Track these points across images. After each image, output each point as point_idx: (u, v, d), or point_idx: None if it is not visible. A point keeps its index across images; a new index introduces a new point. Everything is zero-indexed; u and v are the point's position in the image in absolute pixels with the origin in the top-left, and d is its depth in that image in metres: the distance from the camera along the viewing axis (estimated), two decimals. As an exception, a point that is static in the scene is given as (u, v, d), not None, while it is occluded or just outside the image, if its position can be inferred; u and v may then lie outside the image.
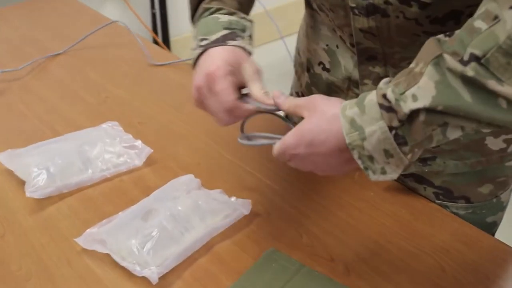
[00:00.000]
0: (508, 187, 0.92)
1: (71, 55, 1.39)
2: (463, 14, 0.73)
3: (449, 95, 0.60)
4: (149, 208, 0.84)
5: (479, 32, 0.58)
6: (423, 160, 0.88)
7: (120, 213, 0.86)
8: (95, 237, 0.81)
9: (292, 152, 0.71)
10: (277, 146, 0.72)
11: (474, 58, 0.58)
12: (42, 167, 0.94)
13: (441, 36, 0.63)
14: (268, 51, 3.29)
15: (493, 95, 0.58)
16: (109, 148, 1.01)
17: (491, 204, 0.91)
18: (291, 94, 1.14)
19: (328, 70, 0.95)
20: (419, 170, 0.89)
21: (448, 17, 0.74)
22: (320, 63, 0.96)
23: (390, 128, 0.64)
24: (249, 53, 0.80)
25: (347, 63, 0.90)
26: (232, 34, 0.80)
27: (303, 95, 1.07)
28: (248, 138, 0.78)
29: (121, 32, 1.49)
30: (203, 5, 0.85)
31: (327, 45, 0.94)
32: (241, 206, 0.87)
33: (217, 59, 0.76)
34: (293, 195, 0.92)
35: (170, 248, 0.79)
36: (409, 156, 0.65)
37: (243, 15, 0.83)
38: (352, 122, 0.66)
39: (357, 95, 0.91)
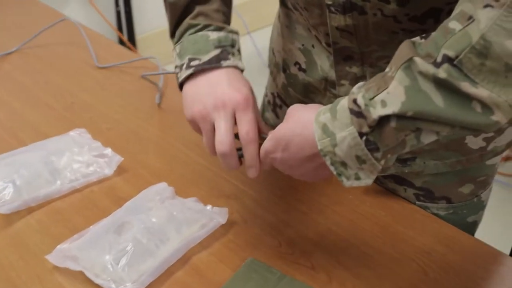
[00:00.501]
0: (488, 186, 0.91)
1: (25, 53, 1.34)
2: (442, 11, 0.72)
3: (420, 100, 0.58)
4: (122, 221, 0.81)
5: (453, 33, 0.57)
6: (402, 161, 0.87)
7: (91, 226, 0.83)
8: (67, 253, 0.78)
9: (271, 156, 0.72)
10: (260, 151, 0.74)
11: (447, 59, 0.56)
12: (7, 180, 0.90)
13: (417, 38, 0.62)
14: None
15: (467, 98, 0.56)
16: (78, 158, 0.97)
17: (472, 203, 0.91)
18: (266, 95, 1.11)
19: (304, 71, 0.93)
20: (399, 171, 0.88)
21: (427, 15, 0.72)
22: (296, 63, 0.94)
23: (361, 134, 0.63)
24: (242, 71, 0.80)
25: (323, 63, 0.88)
26: (224, 52, 0.78)
27: (279, 96, 1.05)
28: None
29: (98, 38, 1.45)
30: (189, 21, 0.81)
31: (302, 45, 0.91)
32: (217, 215, 0.84)
33: (241, 86, 0.76)
34: (271, 201, 0.90)
35: (146, 263, 0.76)
36: (382, 161, 0.65)
37: (230, 28, 0.81)
38: (324, 128, 0.66)
39: (334, 96, 0.90)
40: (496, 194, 0.98)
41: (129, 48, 2.72)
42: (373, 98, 0.61)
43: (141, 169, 0.98)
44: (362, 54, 0.81)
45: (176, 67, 0.81)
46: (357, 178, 0.66)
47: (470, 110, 0.57)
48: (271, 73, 1.06)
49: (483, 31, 0.54)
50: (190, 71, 0.77)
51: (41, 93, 1.20)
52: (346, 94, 0.86)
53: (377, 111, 0.60)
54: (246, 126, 0.74)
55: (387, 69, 0.63)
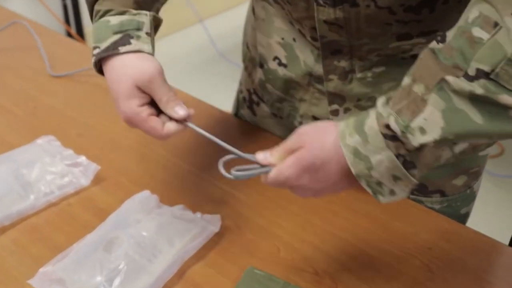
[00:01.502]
0: (480, 177, 0.90)
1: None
2: (438, 0, 0.69)
3: (459, 121, 0.57)
4: (110, 236, 0.76)
5: (481, 43, 0.55)
6: (396, 156, 0.84)
7: (75, 244, 0.77)
8: (52, 276, 0.72)
9: (294, 184, 0.66)
10: (274, 176, 0.66)
11: (483, 74, 0.54)
12: (-24, 198, 0.83)
13: (434, 44, 0.59)
14: (186, 37, 3.19)
15: (504, 108, 0.55)
16: (50, 168, 0.91)
17: (465, 195, 0.89)
18: (241, 91, 1.07)
19: (285, 66, 0.89)
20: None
21: (422, 5, 0.70)
22: (275, 58, 0.90)
23: (397, 156, 0.61)
24: (149, 54, 0.73)
25: (307, 58, 0.85)
26: (124, 38, 0.72)
27: (255, 93, 1.00)
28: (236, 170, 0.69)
29: (34, 30, 1.36)
30: (96, 7, 0.76)
31: (282, 39, 0.87)
32: (209, 223, 0.80)
33: (127, 94, 0.71)
34: (262, 205, 0.86)
35: (141, 281, 0.71)
36: (417, 176, 0.63)
37: (136, 11, 0.74)
38: (356, 152, 0.62)
39: (319, 91, 0.86)
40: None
41: (78, 41, 2.61)
42: (409, 125, 0.59)
43: (119, 177, 0.92)
44: (351, 48, 0.78)
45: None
46: (392, 193, 0.64)
47: (508, 119, 0.56)
48: (246, 68, 1.01)
49: None
50: (93, 59, 0.73)
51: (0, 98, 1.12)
52: (334, 89, 0.83)
53: (416, 139, 0.59)
54: (151, 134, 0.73)
55: (407, 81, 0.61)
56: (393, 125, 0.60)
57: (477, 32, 0.55)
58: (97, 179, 0.91)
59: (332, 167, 0.64)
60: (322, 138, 0.65)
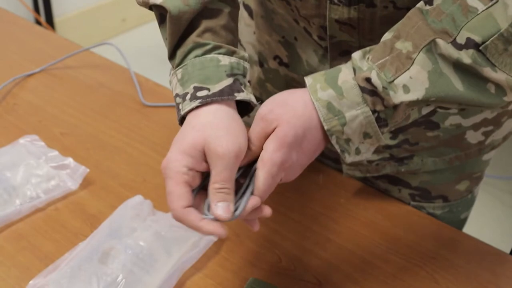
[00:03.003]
0: (481, 181, 0.89)
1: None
2: None
3: (442, 85, 0.57)
4: (105, 246, 0.72)
5: (475, 12, 0.55)
6: (399, 160, 0.83)
7: (66, 254, 0.73)
8: (44, 289, 0.68)
9: (286, 167, 0.60)
10: (266, 170, 0.58)
11: (473, 44, 0.55)
12: (-42, 204, 0.78)
13: (421, 4, 0.59)
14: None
15: (484, 81, 0.57)
16: (36, 171, 0.86)
17: (466, 200, 0.88)
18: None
19: (286, 65, 0.85)
20: (395, 170, 0.84)
21: None
22: (276, 57, 0.86)
23: (373, 112, 0.60)
24: (253, 107, 0.66)
25: (310, 58, 0.82)
26: (237, 82, 0.63)
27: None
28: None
29: (14, 19, 1.30)
30: (195, 39, 0.65)
31: (283, 37, 0.84)
32: (208, 231, 0.76)
33: (232, 164, 0.59)
34: (260, 210, 0.83)
35: (140, 294, 0.67)
36: (385, 135, 0.62)
37: (242, 53, 0.66)
38: (330, 107, 0.60)
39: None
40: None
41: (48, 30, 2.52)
42: (392, 81, 0.58)
43: (109, 180, 0.88)
44: (361, 48, 0.75)
45: (176, 96, 0.64)
46: (358, 152, 0.62)
47: (485, 91, 0.57)
48: None
49: None
50: (196, 103, 0.61)
51: (-23, 94, 1.06)
52: None
53: (398, 96, 0.58)
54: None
55: (388, 35, 0.60)
56: (375, 79, 0.58)
57: (472, 1, 0.55)
58: (86, 183, 0.86)
59: (313, 131, 0.60)
60: (290, 107, 0.60)
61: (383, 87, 0.58)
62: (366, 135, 0.61)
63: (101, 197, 0.85)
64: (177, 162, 0.59)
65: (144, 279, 0.69)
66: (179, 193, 0.58)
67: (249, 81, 0.66)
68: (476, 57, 0.55)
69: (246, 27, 0.92)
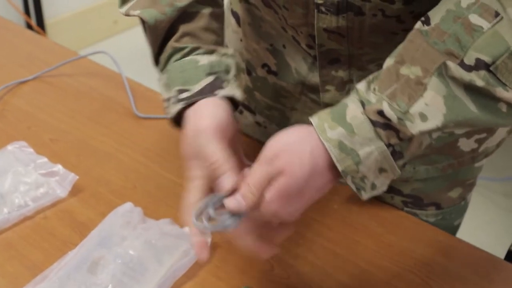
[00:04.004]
0: (473, 187, 0.88)
1: None
2: None
3: (458, 109, 0.55)
4: (94, 256, 0.70)
5: (480, 31, 0.53)
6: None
7: (55, 263, 0.72)
8: (32, 300, 0.67)
9: (283, 213, 0.60)
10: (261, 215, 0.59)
11: (483, 65, 0.53)
12: None
13: (419, 25, 0.57)
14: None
15: (496, 100, 0.55)
16: (24, 179, 0.84)
17: (459, 207, 0.87)
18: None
19: (275, 74, 0.84)
20: (387, 178, 0.83)
21: None
22: (264, 65, 0.85)
23: (387, 146, 0.58)
24: (238, 103, 0.67)
25: (298, 66, 0.80)
26: (218, 80, 0.65)
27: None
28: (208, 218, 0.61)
29: (4, 24, 1.29)
30: (172, 44, 0.67)
31: (271, 45, 0.83)
32: (199, 239, 0.75)
33: (213, 138, 0.62)
34: (252, 217, 0.82)
35: (130, 305, 0.66)
36: (400, 167, 0.60)
37: (224, 50, 0.68)
38: (342, 146, 0.58)
39: (312, 100, 0.82)
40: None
41: (38, 33, 2.51)
42: (408, 110, 0.55)
43: (99, 187, 0.86)
44: (350, 57, 0.74)
45: (163, 100, 0.67)
46: (373, 187, 0.60)
47: (497, 111, 0.55)
48: None
49: None
50: (179, 105, 0.65)
51: (-36, 100, 1.05)
52: (331, 100, 0.79)
53: (416, 126, 0.55)
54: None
55: (390, 61, 0.57)
56: (387, 111, 0.56)
57: (475, 19, 0.53)
58: (75, 190, 0.85)
59: (316, 178, 0.59)
60: (296, 155, 0.58)
61: (398, 118, 0.55)
62: (381, 170, 0.59)
63: (91, 204, 0.83)
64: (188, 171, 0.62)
65: (134, 289, 0.67)
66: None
67: (234, 77, 0.67)
68: (489, 79, 0.53)
69: (234, 34, 0.90)
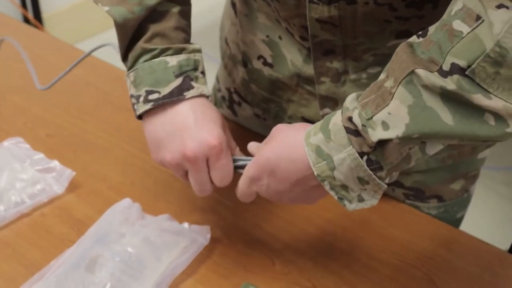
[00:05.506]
0: (477, 179, 0.87)
1: None
2: None
3: (426, 120, 0.53)
4: (92, 254, 0.69)
5: (460, 36, 0.50)
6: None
7: (53, 262, 0.71)
8: (29, 299, 0.66)
9: (257, 184, 0.65)
10: (242, 180, 0.66)
11: (458, 69, 0.50)
12: None
13: (414, 38, 0.56)
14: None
15: (479, 111, 0.51)
16: (20, 175, 0.83)
17: (462, 199, 0.86)
18: (219, 90, 1.00)
19: (270, 65, 0.83)
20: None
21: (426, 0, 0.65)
22: (260, 57, 0.84)
23: (361, 154, 0.57)
24: (207, 97, 0.69)
25: (294, 58, 0.79)
26: (186, 80, 0.66)
27: (237, 92, 0.94)
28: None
29: (1, 19, 1.27)
30: (142, 45, 0.67)
31: (267, 36, 0.81)
32: (198, 235, 0.74)
33: (212, 125, 0.66)
34: (251, 211, 0.81)
35: (129, 303, 0.65)
36: (386, 180, 0.60)
37: (191, 47, 0.68)
38: (318, 151, 0.59)
39: (308, 92, 0.81)
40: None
41: (35, 26, 2.49)
42: (371, 117, 0.55)
43: (97, 183, 0.85)
44: (345, 47, 0.73)
45: (131, 96, 0.68)
46: (361, 200, 0.61)
47: (482, 123, 0.51)
48: (225, 66, 0.95)
49: (498, 37, 0.48)
50: (148, 106, 0.66)
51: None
52: (326, 92, 0.78)
53: (377, 134, 0.55)
54: (220, 174, 0.67)
55: (382, 76, 0.58)
56: (355, 118, 0.57)
57: (458, 25, 0.51)
58: (72, 186, 0.84)
59: (290, 166, 0.61)
60: (286, 134, 0.62)
61: (362, 125, 0.56)
62: (361, 181, 0.58)
63: (88, 201, 0.82)
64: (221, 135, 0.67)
65: (133, 287, 0.66)
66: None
67: (202, 72, 0.68)
68: (462, 83, 0.50)
69: (233, 26, 0.89)
